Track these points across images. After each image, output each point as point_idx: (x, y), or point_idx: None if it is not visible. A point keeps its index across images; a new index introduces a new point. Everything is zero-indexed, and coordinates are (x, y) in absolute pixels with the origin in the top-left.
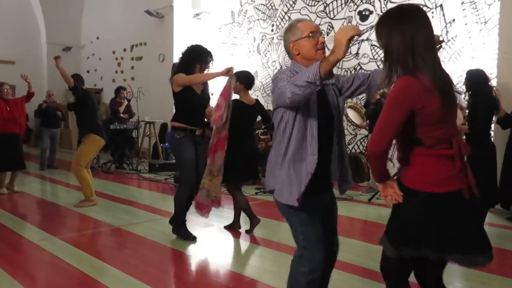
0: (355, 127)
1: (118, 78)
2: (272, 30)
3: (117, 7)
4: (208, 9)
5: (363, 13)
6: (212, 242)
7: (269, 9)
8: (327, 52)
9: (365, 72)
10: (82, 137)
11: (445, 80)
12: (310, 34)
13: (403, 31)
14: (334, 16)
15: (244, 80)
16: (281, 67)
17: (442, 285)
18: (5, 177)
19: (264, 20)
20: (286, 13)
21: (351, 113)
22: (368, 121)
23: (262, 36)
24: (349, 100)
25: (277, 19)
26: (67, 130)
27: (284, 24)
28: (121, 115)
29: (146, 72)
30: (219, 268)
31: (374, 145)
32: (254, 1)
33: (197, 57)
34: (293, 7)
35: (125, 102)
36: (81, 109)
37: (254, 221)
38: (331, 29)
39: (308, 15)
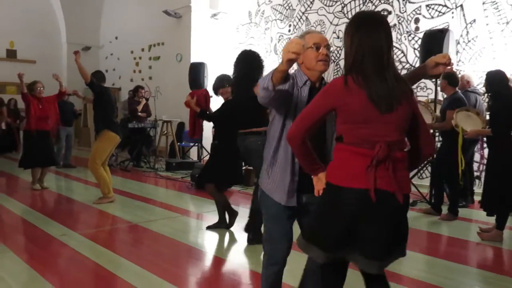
0: None
1: (136, 78)
2: (289, 31)
3: (136, 7)
4: (226, 10)
5: (381, 13)
6: (227, 240)
7: (287, 9)
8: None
9: None
10: (97, 134)
11: (381, 87)
12: (313, 46)
13: (352, 36)
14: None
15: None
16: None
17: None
18: (38, 173)
19: (281, 20)
20: (303, 13)
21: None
22: None
23: (279, 36)
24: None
25: (295, 20)
26: (85, 128)
27: (302, 24)
28: (139, 113)
29: (163, 72)
30: (234, 265)
31: (291, 129)
32: (271, 1)
33: (261, 66)
34: (310, 8)
35: (143, 101)
36: (98, 105)
37: (233, 216)
38: None
39: (325, 15)
